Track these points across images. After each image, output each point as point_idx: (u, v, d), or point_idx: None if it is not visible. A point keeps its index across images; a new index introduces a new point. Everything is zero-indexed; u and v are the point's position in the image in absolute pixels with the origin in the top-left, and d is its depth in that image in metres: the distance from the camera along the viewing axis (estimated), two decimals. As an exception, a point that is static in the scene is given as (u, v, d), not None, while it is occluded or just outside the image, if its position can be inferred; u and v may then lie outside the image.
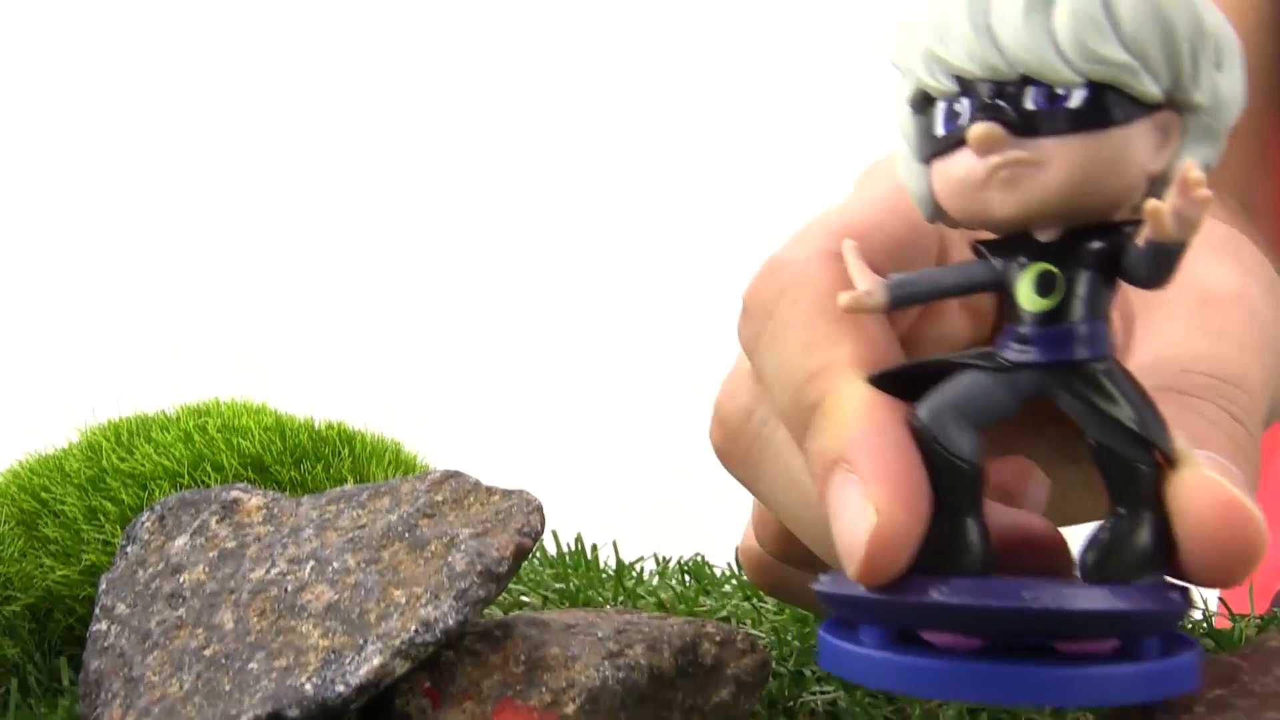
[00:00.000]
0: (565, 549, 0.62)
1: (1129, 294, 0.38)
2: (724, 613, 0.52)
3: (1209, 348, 0.36)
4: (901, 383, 0.34)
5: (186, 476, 0.49)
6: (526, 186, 1.73)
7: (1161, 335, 0.37)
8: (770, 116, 1.66)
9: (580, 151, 1.72)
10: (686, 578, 0.59)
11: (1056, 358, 0.32)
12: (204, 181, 1.82)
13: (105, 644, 0.42)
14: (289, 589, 0.40)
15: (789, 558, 0.42)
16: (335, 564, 0.41)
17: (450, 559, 0.39)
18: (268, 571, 0.41)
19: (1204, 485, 0.32)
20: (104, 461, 0.50)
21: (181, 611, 0.41)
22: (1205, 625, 0.53)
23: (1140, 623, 0.32)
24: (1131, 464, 0.32)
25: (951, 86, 0.32)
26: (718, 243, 1.54)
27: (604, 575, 0.59)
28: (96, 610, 0.43)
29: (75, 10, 1.82)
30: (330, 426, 0.52)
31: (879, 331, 0.36)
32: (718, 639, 0.41)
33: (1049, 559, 0.35)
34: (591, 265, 1.64)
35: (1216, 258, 0.38)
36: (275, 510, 0.44)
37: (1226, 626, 0.54)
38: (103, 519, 0.48)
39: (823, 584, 0.34)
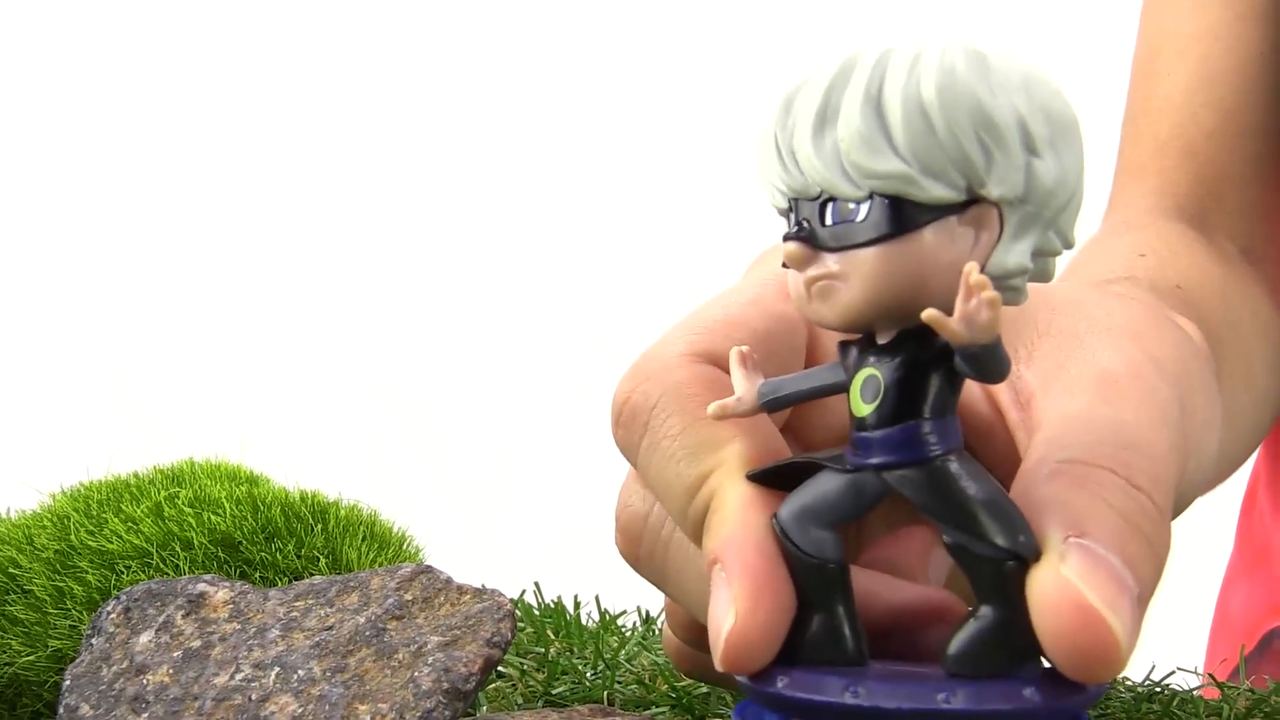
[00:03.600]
0: (549, 604, 0.61)
1: (1024, 375, 0.39)
2: (704, 689, 0.51)
3: (1111, 415, 0.36)
4: (783, 477, 0.35)
5: (155, 555, 0.48)
6: (496, 247, 1.73)
7: (1063, 408, 0.37)
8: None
9: (541, 205, 1.71)
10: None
11: (889, 459, 0.33)
12: (181, 239, 1.81)
13: (68, 745, 0.41)
14: (253, 698, 0.40)
15: (701, 645, 0.42)
16: (300, 671, 0.40)
17: (417, 674, 0.38)
18: (232, 677, 0.40)
19: (1056, 586, 0.32)
20: (73, 537, 0.49)
21: (145, 718, 0.41)
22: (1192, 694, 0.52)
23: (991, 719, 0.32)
24: (988, 561, 0.33)
25: (782, 203, 0.34)
26: (691, 286, 1.53)
27: (585, 634, 0.58)
28: (61, 710, 0.42)
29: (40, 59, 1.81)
30: (304, 498, 0.51)
31: (761, 427, 0.37)
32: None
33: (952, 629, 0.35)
34: (574, 314, 1.63)
35: (1115, 343, 0.38)
36: (242, 605, 0.43)
37: (1215, 696, 0.53)
38: (69, 602, 0.47)
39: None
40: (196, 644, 0.42)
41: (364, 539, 0.50)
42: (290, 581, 0.48)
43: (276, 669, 0.40)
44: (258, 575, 0.48)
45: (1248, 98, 0.68)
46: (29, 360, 1.85)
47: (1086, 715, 0.35)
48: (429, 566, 0.43)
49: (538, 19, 1.75)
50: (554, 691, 0.51)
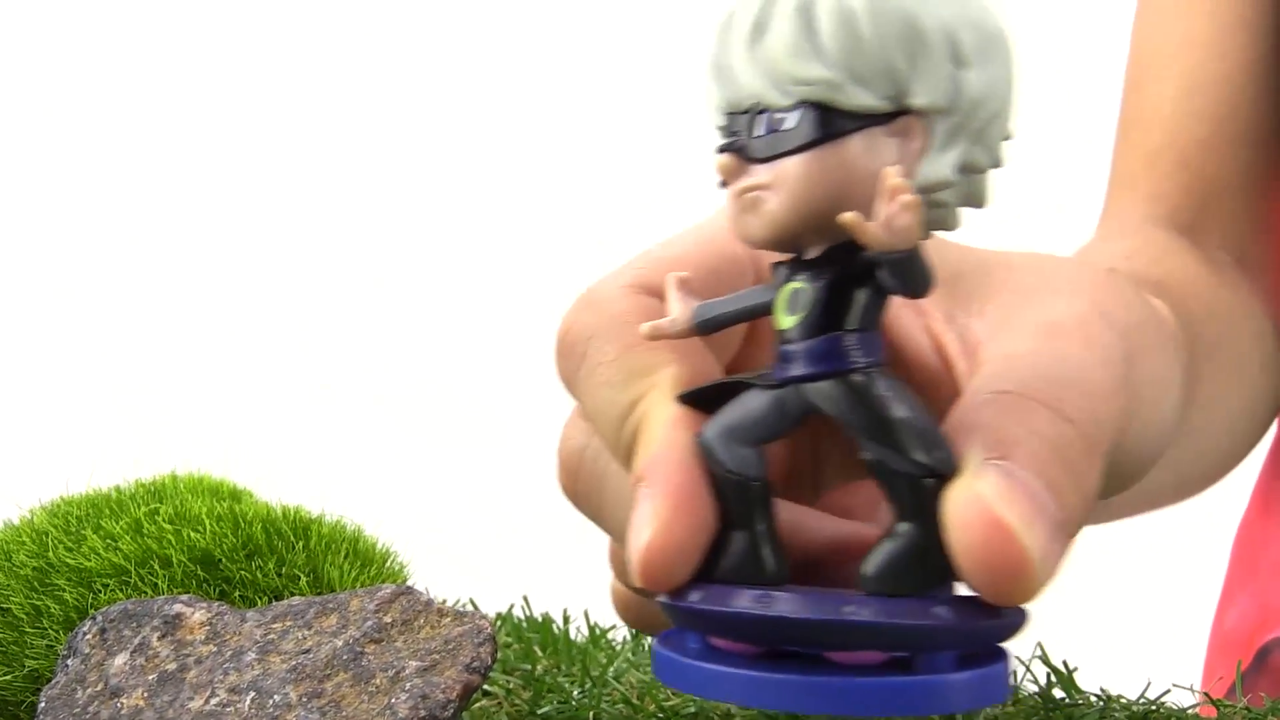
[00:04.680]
0: (538, 618, 0.61)
1: (973, 326, 0.39)
2: (692, 709, 0.50)
3: (1050, 353, 0.36)
4: (712, 401, 0.35)
5: (134, 574, 0.47)
6: (481, 261, 1.72)
7: (1004, 349, 0.37)
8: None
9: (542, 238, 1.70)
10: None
11: (810, 370, 0.33)
12: (164, 252, 1.81)
13: (42, 769, 0.41)
14: (228, 724, 0.39)
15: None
16: (276, 697, 0.39)
17: (394, 700, 0.38)
18: (207, 701, 0.40)
19: (968, 500, 0.31)
20: (51, 554, 0.49)
21: (118, 743, 0.40)
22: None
23: (901, 635, 0.32)
24: (905, 477, 0.32)
25: (719, 122, 0.34)
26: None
27: (574, 649, 0.57)
28: (33, 733, 0.41)
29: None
30: (286, 514, 0.51)
31: (698, 355, 0.37)
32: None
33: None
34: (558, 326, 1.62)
35: (1066, 298, 0.38)
36: (219, 627, 0.42)
37: (1211, 715, 0.52)
38: (46, 621, 0.47)
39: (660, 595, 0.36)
40: (172, 666, 0.41)
41: (346, 556, 0.50)
42: (270, 601, 0.47)
43: (252, 694, 0.39)
44: (237, 594, 0.47)
45: (1238, 107, 0.68)
46: (10, 370, 1.84)
47: (1008, 655, 0.35)
48: (409, 588, 0.42)
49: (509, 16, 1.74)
50: (540, 710, 0.50)
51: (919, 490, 0.33)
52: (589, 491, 0.40)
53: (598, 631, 0.61)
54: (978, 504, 0.31)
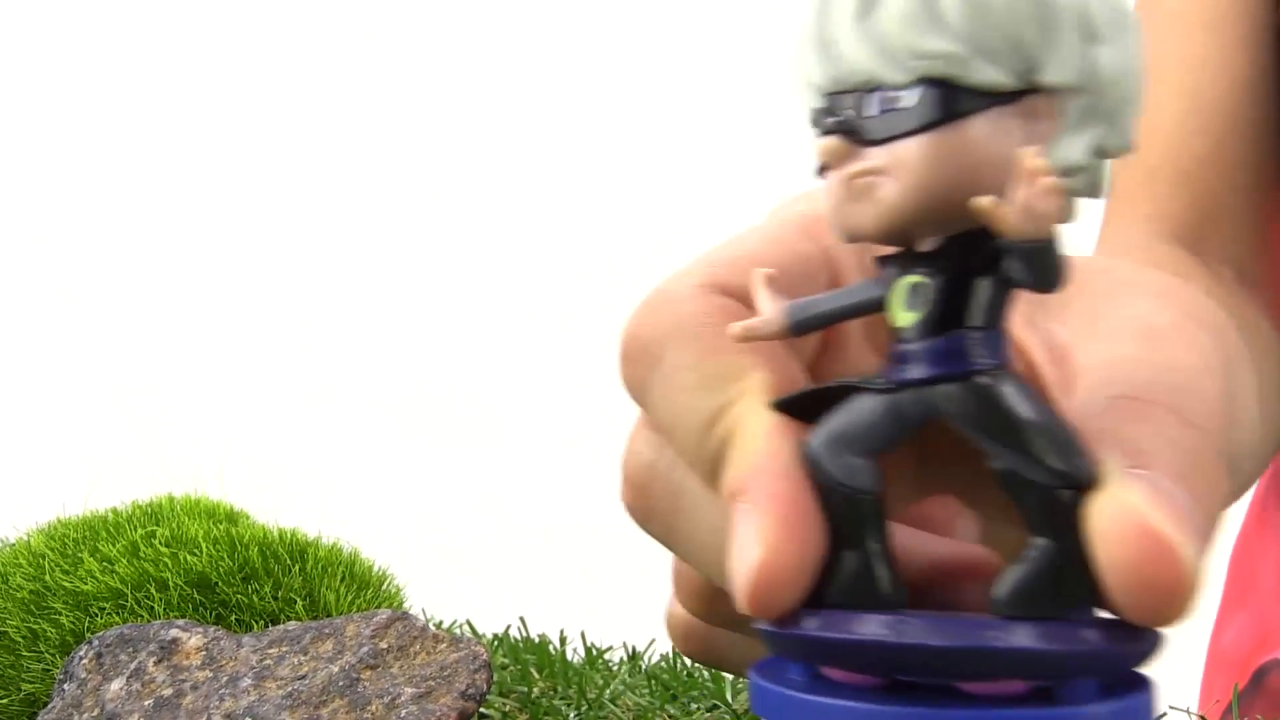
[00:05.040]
0: (534, 639, 0.61)
1: (1057, 331, 0.36)
2: (688, 732, 0.50)
3: (1157, 358, 0.34)
4: (809, 408, 0.32)
5: (130, 597, 0.47)
6: (479, 281, 1.72)
7: (1106, 355, 0.35)
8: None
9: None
10: (654, 681, 0.58)
11: (933, 372, 0.30)
12: (159, 273, 1.80)
13: (37, 795, 0.40)
14: (224, 750, 0.39)
15: (713, 616, 0.39)
16: (272, 723, 0.39)
17: (389, 727, 0.38)
18: (203, 728, 0.40)
19: (1120, 512, 0.29)
20: (48, 577, 0.49)
21: (113, 769, 0.40)
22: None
23: (1049, 662, 0.30)
24: (1042, 489, 0.30)
25: (818, 103, 0.31)
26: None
27: (570, 671, 0.57)
28: (29, 758, 0.41)
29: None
30: (283, 536, 0.51)
31: (782, 359, 0.34)
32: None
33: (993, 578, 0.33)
34: (560, 347, 1.61)
35: (1153, 300, 0.36)
36: (215, 652, 0.42)
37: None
38: (43, 645, 0.47)
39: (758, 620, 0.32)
40: (168, 692, 0.41)
41: (342, 579, 0.50)
42: (266, 624, 0.47)
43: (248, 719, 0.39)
44: (233, 618, 0.47)
45: (1239, 124, 0.68)
46: (6, 390, 1.84)
47: (1152, 684, 0.32)
48: (405, 613, 0.42)
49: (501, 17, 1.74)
50: (536, 733, 0.50)
51: (1055, 503, 0.30)
52: (662, 510, 0.37)
53: (594, 653, 0.61)
54: (1131, 516, 0.29)
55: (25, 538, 0.53)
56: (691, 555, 0.37)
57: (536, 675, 0.56)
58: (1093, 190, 0.32)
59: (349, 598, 0.49)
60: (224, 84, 1.80)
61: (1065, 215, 0.30)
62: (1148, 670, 0.32)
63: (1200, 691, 0.74)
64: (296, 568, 0.49)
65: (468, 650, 0.40)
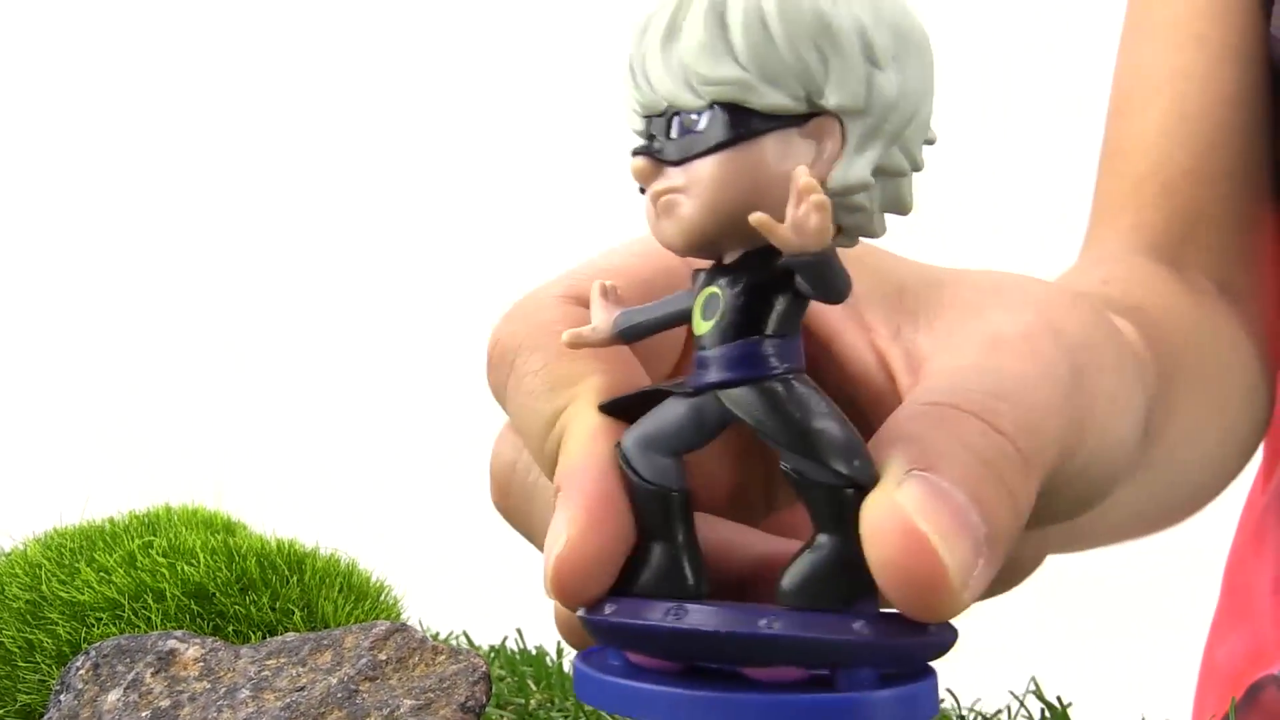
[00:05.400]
0: (531, 651, 0.61)
1: (920, 341, 0.38)
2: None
3: (989, 367, 0.35)
4: (637, 411, 0.34)
5: (127, 607, 0.47)
6: (471, 292, 1.72)
7: (946, 366, 0.36)
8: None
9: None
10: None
11: (727, 376, 0.32)
12: (157, 281, 1.80)
13: (33, 807, 0.40)
14: (222, 762, 0.39)
15: None
16: (270, 735, 0.39)
17: (388, 740, 0.37)
18: (201, 739, 0.40)
19: (886, 510, 0.31)
20: (44, 587, 0.48)
21: (111, 780, 0.40)
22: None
23: (818, 650, 0.31)
24: (824, 487, 0.32)
25: (639, 125, 0.33)
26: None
27: (567, 682, 0.57)
28: (25, 770, 0.41)
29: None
30: (281, 547, 0.50)
31: (623, 365, 0.36)
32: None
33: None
34: None
35: (1015, 313, 0.38)
36: (212, 663, 0.42)
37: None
38: (39, 655, 0.47)
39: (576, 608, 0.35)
40: (165, 703, 0.41)
41: (341, 590, 0.49)
42: (264, 635, 0.47)
43: (246, 732, 0.39)
44: (231, 629, 0.47)
45: (1223, 138, 0.68)
46: (3, 400, 1.84)
47: (934, 673, 0.33)
48: (404, 625, 0.42)
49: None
50: (533, 746, 0.50)
51: (839, 501, 0.32)
52: (519, 506, 0.39)
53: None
54: (894, 514, 0.31)
55: (22, 547, 0.53)
56: None
57: (534, 687, 0.56)
58: (893, 206, 0.33)
59: (347, 608, 0.49)
60: (225, 96, 1.80)
61: (852, 235, 0.33)
62: (935, 662, 0.33)
63: (1194, 706, 0.74)
64: (294, 578, 0.49)
65: (467, 662, 0.40)
